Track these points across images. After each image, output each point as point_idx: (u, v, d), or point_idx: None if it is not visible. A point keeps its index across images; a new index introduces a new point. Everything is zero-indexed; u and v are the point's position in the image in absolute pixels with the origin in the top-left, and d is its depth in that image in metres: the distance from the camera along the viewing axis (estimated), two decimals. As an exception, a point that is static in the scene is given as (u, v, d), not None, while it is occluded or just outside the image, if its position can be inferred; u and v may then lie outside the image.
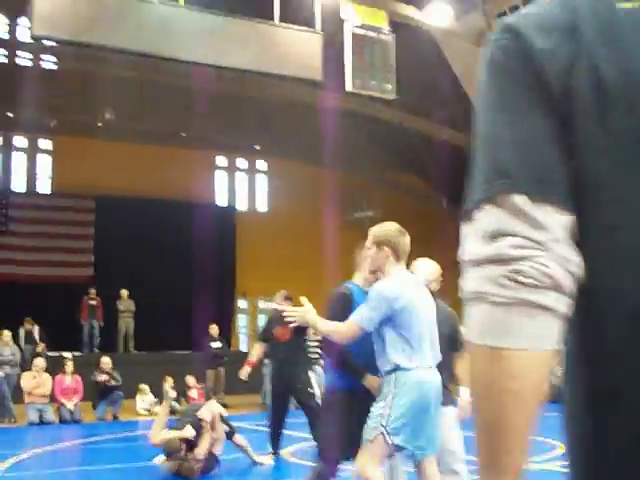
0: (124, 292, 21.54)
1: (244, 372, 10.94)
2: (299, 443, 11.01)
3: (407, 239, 5.06)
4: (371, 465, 4.73)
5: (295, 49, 15.90)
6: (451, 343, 5.46)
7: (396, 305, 4.76)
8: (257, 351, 10.73)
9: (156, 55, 15.42)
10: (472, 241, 1.19)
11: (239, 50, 15.23)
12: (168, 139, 25.14)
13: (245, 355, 25.79)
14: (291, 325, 5.98)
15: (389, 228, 5.08)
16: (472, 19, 19.69)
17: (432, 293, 5.37)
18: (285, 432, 9.90)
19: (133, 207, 23.94)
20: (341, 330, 4.89)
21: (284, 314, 6.89)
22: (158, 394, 15.99)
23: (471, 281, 1.18)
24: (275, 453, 9.72)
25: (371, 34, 16.87)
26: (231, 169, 29.14)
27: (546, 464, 8.63)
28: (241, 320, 29.10)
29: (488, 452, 1.16)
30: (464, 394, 5.46)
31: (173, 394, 17.16)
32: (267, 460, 9.37)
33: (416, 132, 27.08)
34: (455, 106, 25.97)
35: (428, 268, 5.72)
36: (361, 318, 4.80)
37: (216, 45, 15.01)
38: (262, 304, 28.68)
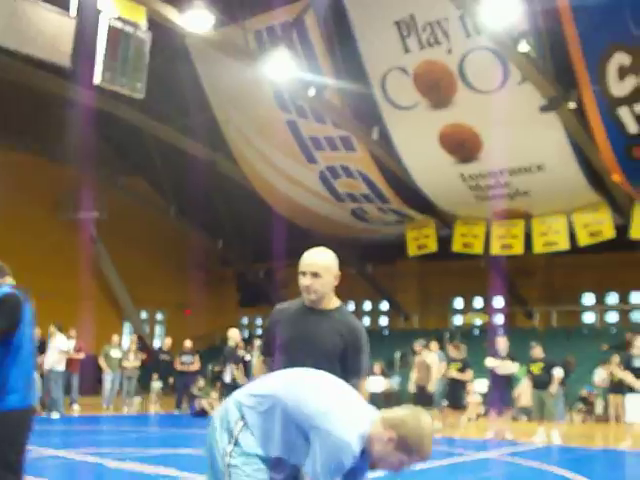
0: None
1: None
2: None
3: None
4: None
5: (46, 30, 14.97)
6: None
7: None
8: None
9: None
10: None
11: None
12: None
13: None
14: None
15: None
16: (230, 32, 19.53)
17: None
18: None
19: None
20: None
21: None
22: None
23: None
24: None
25: (128, 29, 16.24)
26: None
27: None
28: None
29: None
30: None
31: None
32: None
33: (153, 137, 26.54)
34: (197, 116, 25.75)
35: None
36: None
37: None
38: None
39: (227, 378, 15.95)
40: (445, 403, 15.82)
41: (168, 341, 21.59)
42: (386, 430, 3.47)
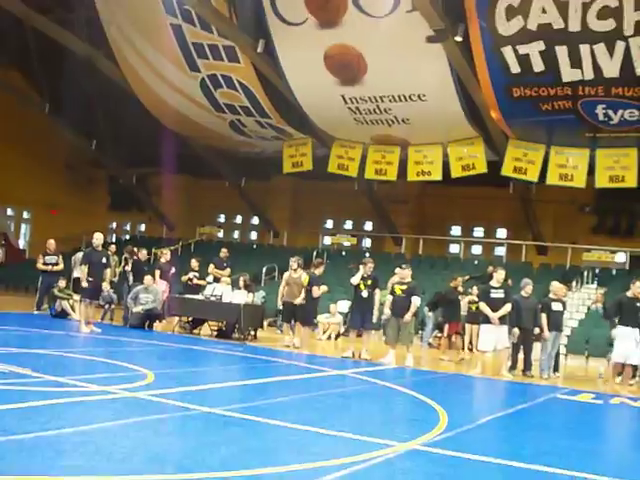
0: None
1: None
2: None
3: None
4: None
5: None
6: None
7: None
8: None
9: None
10: None
11: None
12: None
13: None
14: None
15: None
16: None
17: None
18: None
19: None
20: None
21: None
22: None
23: None
24: None
25: None
26: None
27: (137, 393, 8.42)
28: None
29: None
30: None
31: None
32: None
33: (33, 29, 25.49)
34: (80, 12, 24.91)
35: None
36: None
37: None
38: None
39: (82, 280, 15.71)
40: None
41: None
42: None
